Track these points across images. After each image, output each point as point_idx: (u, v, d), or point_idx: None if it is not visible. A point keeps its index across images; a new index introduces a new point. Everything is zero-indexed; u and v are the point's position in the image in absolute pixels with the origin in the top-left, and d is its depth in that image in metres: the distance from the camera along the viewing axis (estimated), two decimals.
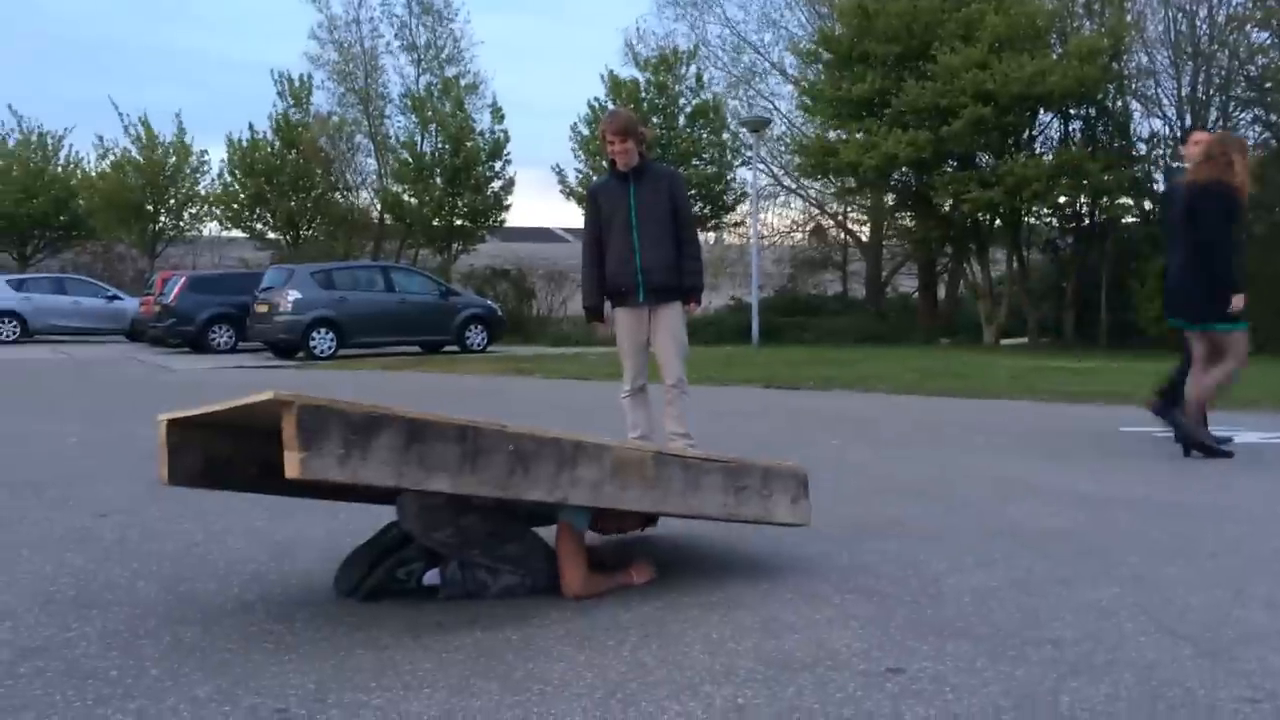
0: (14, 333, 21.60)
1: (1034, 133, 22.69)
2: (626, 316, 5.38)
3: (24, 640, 2.76)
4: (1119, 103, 22.23)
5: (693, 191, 26.74)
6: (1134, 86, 22.26)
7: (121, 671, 2.54)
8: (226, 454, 3.15)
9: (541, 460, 2.93)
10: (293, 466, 2.57)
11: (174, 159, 30.53)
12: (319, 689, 2.44)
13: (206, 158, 30.97)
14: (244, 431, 3.08)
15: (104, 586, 3.28)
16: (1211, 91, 21.74)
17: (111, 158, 30.58)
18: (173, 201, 30.94)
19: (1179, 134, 20.90)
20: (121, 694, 2.40)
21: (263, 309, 17.31)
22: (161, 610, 3.04)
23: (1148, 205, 21.95)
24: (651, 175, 5.29)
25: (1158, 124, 22.29)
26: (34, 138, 32.43)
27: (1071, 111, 22.14)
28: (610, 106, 26.91)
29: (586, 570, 3.23)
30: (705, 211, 27.27)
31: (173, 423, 3.07)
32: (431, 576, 3.18)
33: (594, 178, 27.21)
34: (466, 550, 3.17)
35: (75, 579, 3.35)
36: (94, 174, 31.23)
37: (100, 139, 31.55)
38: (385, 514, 4.09)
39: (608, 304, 5.53)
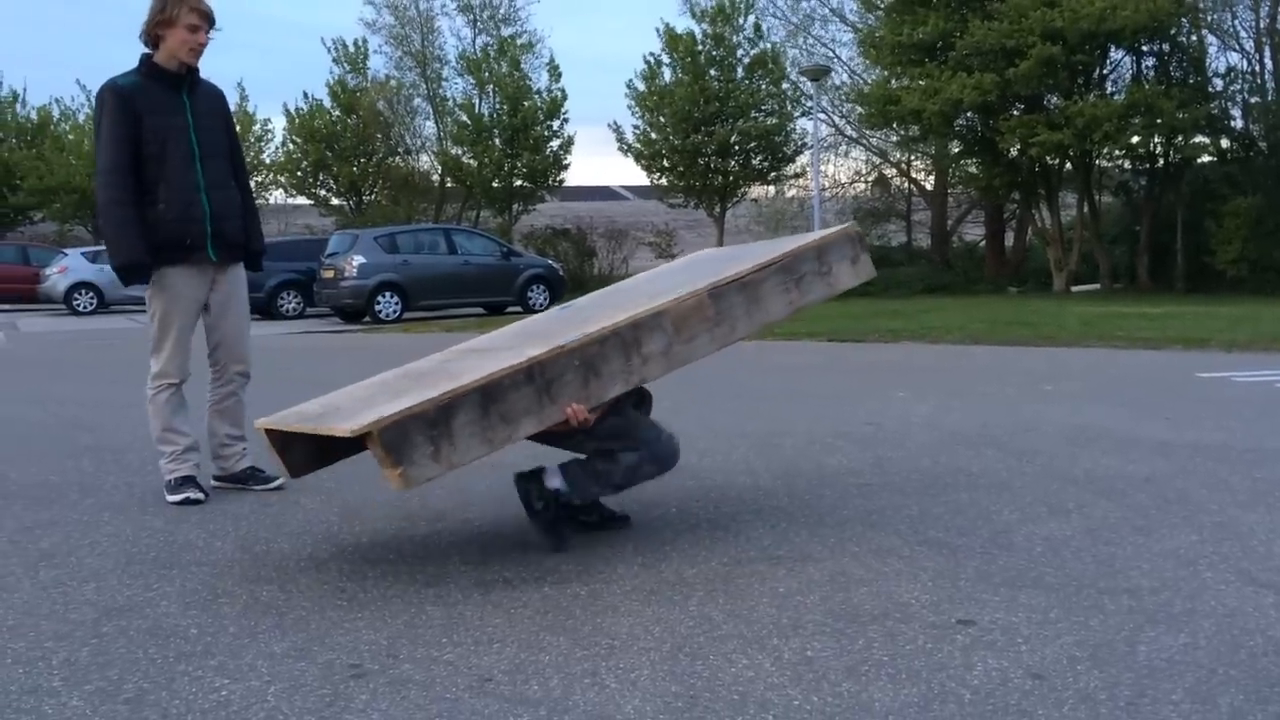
0: (91, 304, 22.16)
1: (1104, 71, 22.01)
2: (190, 279, 4.00)
3: (107, 600, 2.84)
4: (1193, 37, 21.45)
5: (752, 144, 26.40)
6: (1209, 19, 21.44)
7: (201, 629, 2.61)
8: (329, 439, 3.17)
9: (608, 358, 2.99)
10: (396, 483, 2.68)
11: (238, 128, 30.92)
12: (391, 645, 2.48)
13: (270, 126, 31.40)
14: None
15: (182, 547, 3.36)
16: None
17: None
18: None
19: (1257, 68, 20.15)
20: (201, 651, 2.47)
21: (329, 274, 17.54)
22: (238, 570, 3.11)
23: (1224, 143, 21.22)
24: (205, 90, 4.07)
25: (1234, 58, 21.53)
26: None
27: (1144, 48, 21.42)
28: (666, 60, 26.60)
29: None
30: (764, 164, 26.95)
31: (270, 431, 3.18)
32: (553, 478, 3.17)
33: (628, 134, 26.79)
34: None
35: (155, 541, 3.44)
36: None
37: None
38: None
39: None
